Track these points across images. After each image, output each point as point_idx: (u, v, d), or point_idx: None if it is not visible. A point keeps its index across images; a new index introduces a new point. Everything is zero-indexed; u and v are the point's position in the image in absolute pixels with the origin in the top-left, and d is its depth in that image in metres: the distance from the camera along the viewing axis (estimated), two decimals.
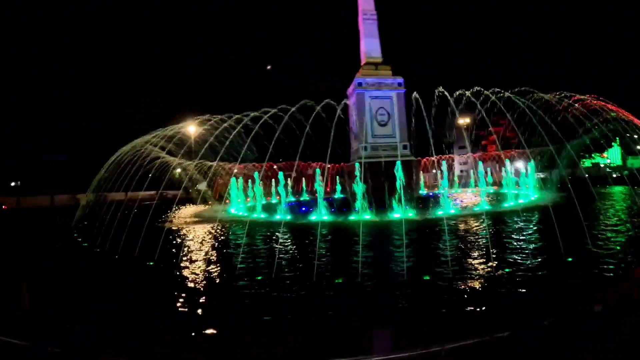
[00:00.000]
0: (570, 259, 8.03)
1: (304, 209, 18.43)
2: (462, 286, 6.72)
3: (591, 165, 62.06)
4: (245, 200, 25.19)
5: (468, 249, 9.93)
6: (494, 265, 7.95)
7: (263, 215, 18.78)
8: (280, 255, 9.74)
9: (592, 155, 63.24)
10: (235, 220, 18.34)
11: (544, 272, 7.34)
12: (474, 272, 7.57)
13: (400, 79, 21.18)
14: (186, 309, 6.28)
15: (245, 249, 10.66)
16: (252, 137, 15.79)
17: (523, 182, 22.74)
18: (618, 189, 27.83)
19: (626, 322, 4.42)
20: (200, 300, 6.76)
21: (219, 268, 9.33)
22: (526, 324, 4.44)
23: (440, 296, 6.40)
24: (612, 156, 66.44)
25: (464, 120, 48.95)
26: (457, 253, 9.39)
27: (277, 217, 17.58)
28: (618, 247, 9.21)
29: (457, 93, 26.34)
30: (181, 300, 6.70)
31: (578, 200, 11.59)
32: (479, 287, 6.69)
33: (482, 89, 26.87)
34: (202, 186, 31.98)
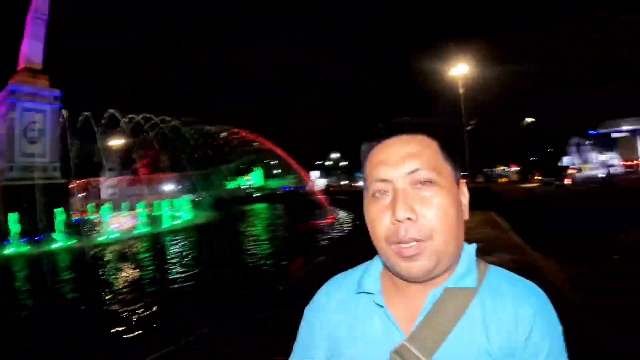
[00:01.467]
0: (234, 263, 10.23)
1: None
2: (140, 305, 7.24)
3: (236, 187, 72.24)
4: None
5: (136, 270, 10.58)
6: (169, 279, 9.06)
7: None
8: None
9: (237, 177, 73.91)
10: None
11: (221, 276, 8.96)
12: (146, 291, 8.26)
13: (57, 92, 19.24)
14: None
15: None
16: None
17: (177, 204, 24.48)
18: (258, 206, 34.25)
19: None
20: None
21: None
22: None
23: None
24: (255, 178, 79.57)
25: (116, 142, 47.34)
26: (124, 276, 9.88)
27: None
28: (268, 250, 12.27)
29: (107, 115, 26.17)
30: None
31: (227, 217, 14.43)
32: (157, 302, 7.39)
33: (135, 116, 27.69)
34: None
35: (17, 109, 17.74)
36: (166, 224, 19.25)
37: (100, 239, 15.76)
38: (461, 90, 31.55)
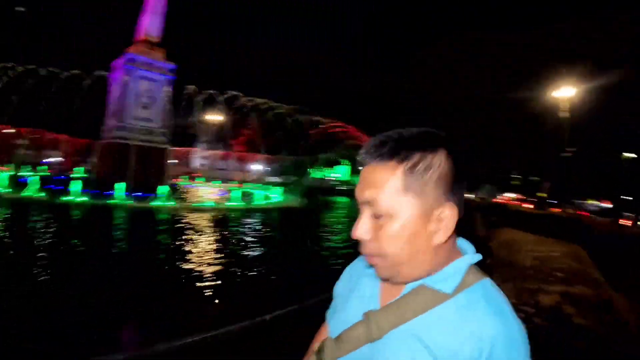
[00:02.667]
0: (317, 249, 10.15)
1: (55, 186, 15.71)
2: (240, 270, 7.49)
3: (321, 177, 73.19)
4: None
5: (233, 237, 10.90)
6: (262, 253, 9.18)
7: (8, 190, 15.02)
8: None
9: (324, 168, 74.83)
10: None
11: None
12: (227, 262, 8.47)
13: (172, 65, 20.81)
14: None
15: None
16: None
17: (269, 185, 25.13)
18: (342, 199, 34.37)
19: None
20: None
21: None
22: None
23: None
24: (342, 172, 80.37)
25: (214, 117, 50.26)
26: (227, 240, 10.26)
27: (26, 194, 14.40)
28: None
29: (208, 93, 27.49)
30: None
31: (315, 205, 14.45)
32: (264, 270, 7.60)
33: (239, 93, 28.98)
34: None
35: (134, 76, 19.44)
36: (258, 202, 19.75)
37: (196, 204, 16.59)
38: (563, 114, 29.04)
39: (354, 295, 1.10)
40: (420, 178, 0.89)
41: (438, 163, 0.90)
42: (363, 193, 0.94)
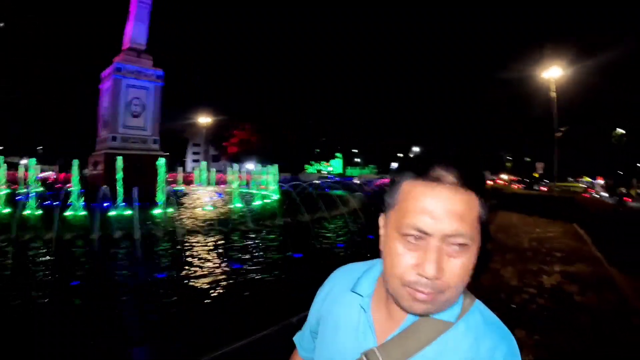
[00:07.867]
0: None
1: (52, 202, 15.54)
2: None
3: (315, 171, 73.14)
4: None
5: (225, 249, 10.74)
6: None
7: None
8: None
9: (317, 163, 74.75)
10: None
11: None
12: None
13: (160, 71, 20.71)
14: None
15: None
16: None
17: (264, 183, 24.91)
18: (338, 192, 34.34)
19: None
20: None
21: None
22: None
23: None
24: (335, 166, 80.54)
25: (204, 119, 49.93)
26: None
27: (26, 212, 13.95)
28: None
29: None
30: None
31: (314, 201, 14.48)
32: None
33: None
34: None
35: (123, 85, 19.38)
36: (257, 202, 19.76)
37: (197, 209, 16.57)
38: (553, 95, 29.67)
39: (342, 327, 1.03)
40: (486, 211, 0.87)
41: None
42: (445, 221, 0.81)
